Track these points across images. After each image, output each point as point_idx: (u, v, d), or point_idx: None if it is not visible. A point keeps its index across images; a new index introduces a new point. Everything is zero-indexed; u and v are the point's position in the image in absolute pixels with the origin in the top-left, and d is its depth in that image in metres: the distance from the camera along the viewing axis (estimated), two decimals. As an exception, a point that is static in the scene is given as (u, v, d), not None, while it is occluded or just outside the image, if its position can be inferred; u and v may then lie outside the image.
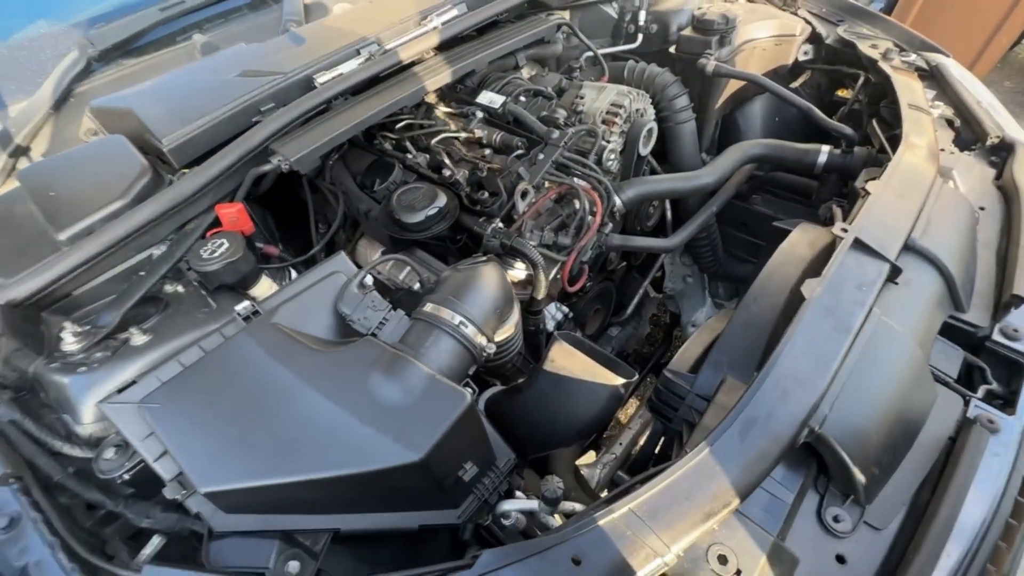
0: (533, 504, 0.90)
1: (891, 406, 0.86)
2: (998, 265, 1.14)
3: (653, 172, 1.83)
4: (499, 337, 1.12)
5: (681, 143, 1.73)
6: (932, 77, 1.63)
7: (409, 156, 1.40)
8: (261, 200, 1.36)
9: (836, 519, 0.80)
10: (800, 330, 0.86)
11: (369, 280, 1.03)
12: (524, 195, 1.28)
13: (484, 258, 1.15)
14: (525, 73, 1.84)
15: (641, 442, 1.29)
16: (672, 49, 1.78)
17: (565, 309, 1.60)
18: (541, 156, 1.34)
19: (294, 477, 0.76)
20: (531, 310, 1.30)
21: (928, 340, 0.96)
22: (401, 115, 1.49)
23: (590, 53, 1.83)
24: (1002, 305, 1.04)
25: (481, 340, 1.01)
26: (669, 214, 1.92)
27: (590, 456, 1.39)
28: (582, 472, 1.21)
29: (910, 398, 0.89)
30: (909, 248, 1.01)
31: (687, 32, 1.74)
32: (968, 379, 0.99)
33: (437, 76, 1.38)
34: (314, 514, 0.83)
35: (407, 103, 1.35)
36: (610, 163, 1.57)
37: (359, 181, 1.39)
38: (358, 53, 1.40)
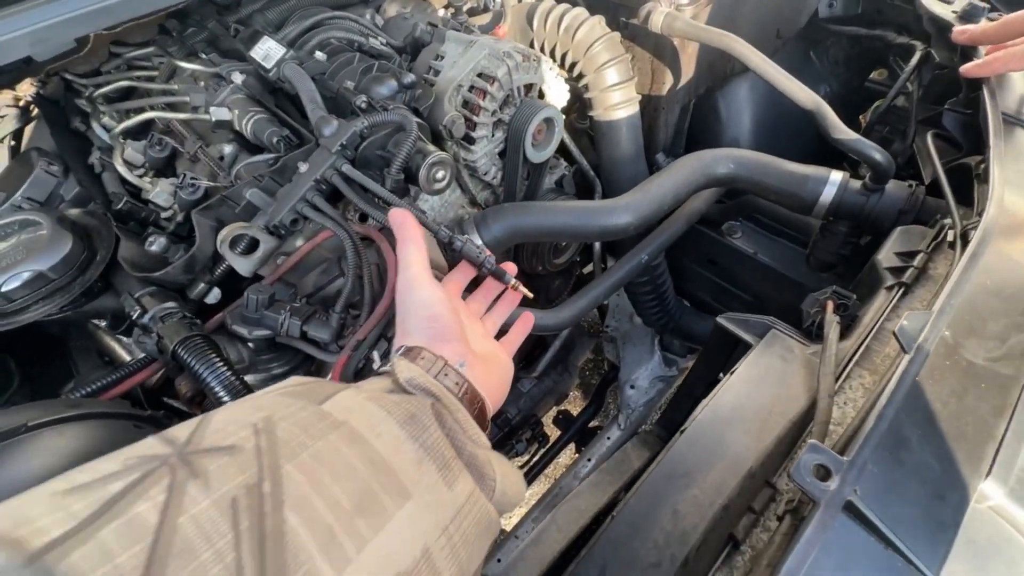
0: None
1: None
2: None
3: (583, 180, 1.21)
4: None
5: (611, 140, 1.09)
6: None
7: (96, 153, 0.79)
8: None
9: None
10: None
11: None
12: (249, 248, 0.68)
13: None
14: (392, 10, 1.18)
15: None
16: (612, -16, 1.11)
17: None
18: (303, 168, 0.73)
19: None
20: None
21: None
22: (142, 69, 0.88)
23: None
24: None
25: None
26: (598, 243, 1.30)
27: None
28: None
29: None
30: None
31: (637, -44, 1.07)
32: None
33: None
34: None
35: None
36: (487, 175, 0.95)
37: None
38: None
